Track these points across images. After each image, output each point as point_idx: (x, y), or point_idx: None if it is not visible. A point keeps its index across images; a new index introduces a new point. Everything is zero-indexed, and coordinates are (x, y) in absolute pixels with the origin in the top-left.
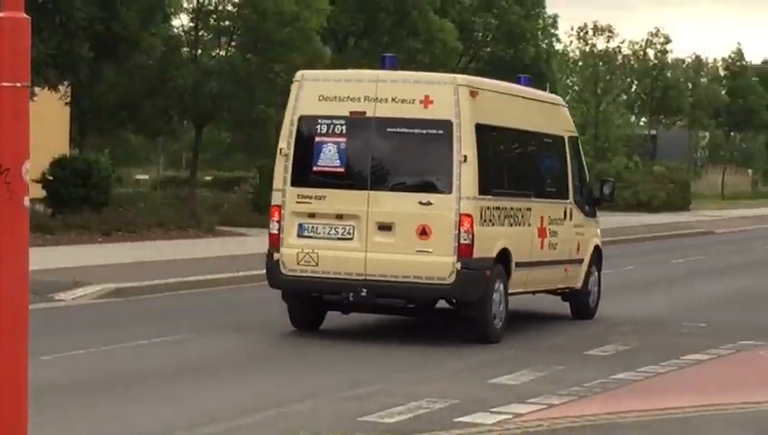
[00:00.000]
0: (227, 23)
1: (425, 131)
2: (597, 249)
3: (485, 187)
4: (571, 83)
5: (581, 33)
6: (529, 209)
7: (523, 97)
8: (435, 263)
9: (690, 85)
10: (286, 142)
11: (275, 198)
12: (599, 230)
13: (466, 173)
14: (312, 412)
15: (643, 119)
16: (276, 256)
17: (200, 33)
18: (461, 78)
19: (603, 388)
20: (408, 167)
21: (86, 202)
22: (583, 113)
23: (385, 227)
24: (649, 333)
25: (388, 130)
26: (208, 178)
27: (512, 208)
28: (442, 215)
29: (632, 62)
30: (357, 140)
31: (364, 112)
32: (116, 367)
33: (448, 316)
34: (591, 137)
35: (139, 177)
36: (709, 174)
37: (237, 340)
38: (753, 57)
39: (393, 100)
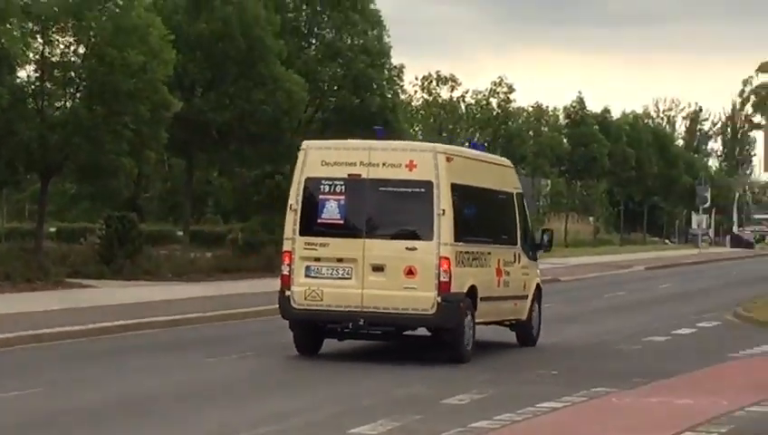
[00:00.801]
0: (73, 74)
1: (410, 190)
2: (538, 287)
3: (459, 235)
4: (414, 132)
5: (426, 83)
6: (489, 253)
7: (483, 161)
8: (419, 297)
9: (532, 134)
10: (295, 199)
11: (286, 246)
12: (539, 271)
13: (444, 224)
14: None
15: None
16: (287, 293)
17: (45, 85)
18: (439, 147)
19: None
20: (396, 219)
21: None
22: None
23: (378, 269)
24: (503, 381)
25: (380, 188)
26: (52, 229)
27: (478, 252)
28: (425, 258)
29: (476, 112)
30: (354, 198)
31: (359, 175)
32: None
33: (426, 342)
34: None
35: None
36: (552, 222)
37: (88, 394)
38: (594, 105)
39: (383, 164)
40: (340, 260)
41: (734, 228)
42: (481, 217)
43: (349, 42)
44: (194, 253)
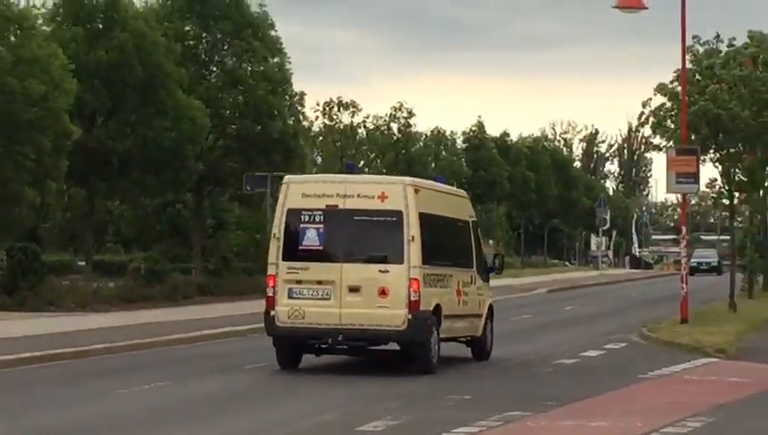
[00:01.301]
0: None
1: (382, 219)
2: (490, 306)
3: (425, 258)
4: (314, 159)
5: (327, 109)
6: (451, 275)
7: (444, 193)
8: (392, 314)
9: (431, 158)
10: (278, 229)
11: (270, 270)
12: (490, 292)
13: (413, 249)
14: None
15: None
16: (272, 312)
17: None
18: (408, 180)
19: None
20: (370, 245)
21: None
22: None
23: (354, 289)
24: (417, 407)
25: (355, 218)
26: None
27: (441, 274)
28: (396, 280)
29: (376, 137)
30: (331, 226)
31: (336, 205)
32: None
33: (397, 356)
34: None
35: None
36: None
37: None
38: (493, 129)
39: (358, 196)
40: (319, 282)
41: (633, 250)
42: (443, 242)
43: (249, 69)
44: (96, 283)
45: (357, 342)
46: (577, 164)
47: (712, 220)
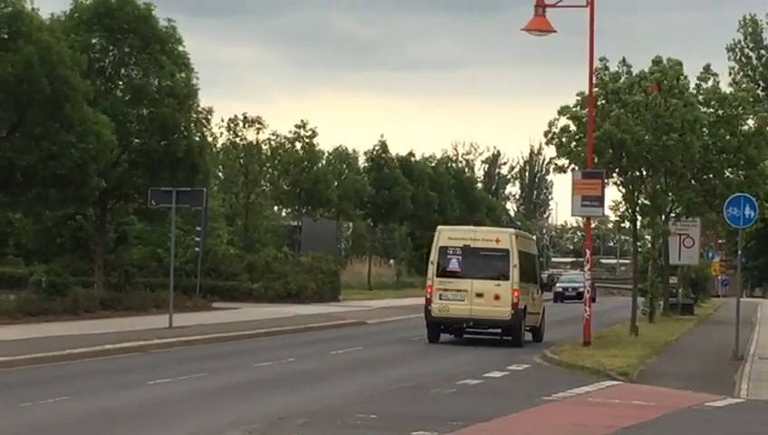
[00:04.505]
0: None
1: (497, 253)
2: (543, 308)
3: (521, 278)
4: (219, 174)
5: (232, 125)
6: (529, 288)
7: (525, 237)
8: (502, 311)
9: (335, 177)
10: (434, 257)
11: (429, 282)
12: (542, 299)
13: (515, 272)
14: None
15: (286, 209)
16: (430, 308)
17: None
18: (512, 231)
19: None
20: (489, 269)
21: None
22: (232, 204)
23: (479, 295)
24: (323, 426)
25: (480, 253)
26: None
27: (526, 288)
28: (505, 290)
29: (280, 155)
30: (466, 257)
31: (469, 245)
32: None
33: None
34: (241, 228)
35: None
36: (354, 264)
37: None
38: (396, 148)
39: (482, 239)
40: (458, 291)
41: None
42: (526, 268)
43: (156, 84)
44: None
45: (479, 327)
46: (479, 185)
47: (611, 244)
